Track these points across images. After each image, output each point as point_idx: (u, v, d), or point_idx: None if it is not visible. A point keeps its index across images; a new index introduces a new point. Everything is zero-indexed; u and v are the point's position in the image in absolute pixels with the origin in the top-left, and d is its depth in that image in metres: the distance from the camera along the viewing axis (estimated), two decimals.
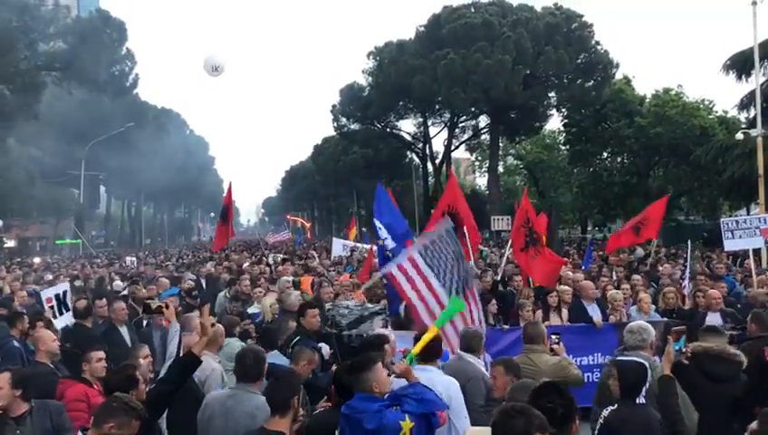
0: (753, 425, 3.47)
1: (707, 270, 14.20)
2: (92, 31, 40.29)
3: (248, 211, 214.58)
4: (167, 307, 5.48)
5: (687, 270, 11.61)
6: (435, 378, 4.82)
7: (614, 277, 12.77)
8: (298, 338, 6.48)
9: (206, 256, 27.80)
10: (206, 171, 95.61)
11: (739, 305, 9.40)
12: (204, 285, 14.02)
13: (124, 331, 8.12)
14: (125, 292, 11.72)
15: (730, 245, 12.79)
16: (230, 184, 15.73)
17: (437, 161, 54.24)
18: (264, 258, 20.42)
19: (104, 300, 9.18)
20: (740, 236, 12.03)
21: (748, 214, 41.34)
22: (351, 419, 4.09)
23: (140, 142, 60.89)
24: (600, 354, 8.71)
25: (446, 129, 52.67)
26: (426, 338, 5.07)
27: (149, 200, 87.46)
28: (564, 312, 9.26)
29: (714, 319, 8.71)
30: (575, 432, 3.45)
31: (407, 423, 3.98)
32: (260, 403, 4.31)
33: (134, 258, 30.82)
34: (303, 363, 5.34)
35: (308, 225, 57.67)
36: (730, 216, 45.24)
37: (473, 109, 46.83)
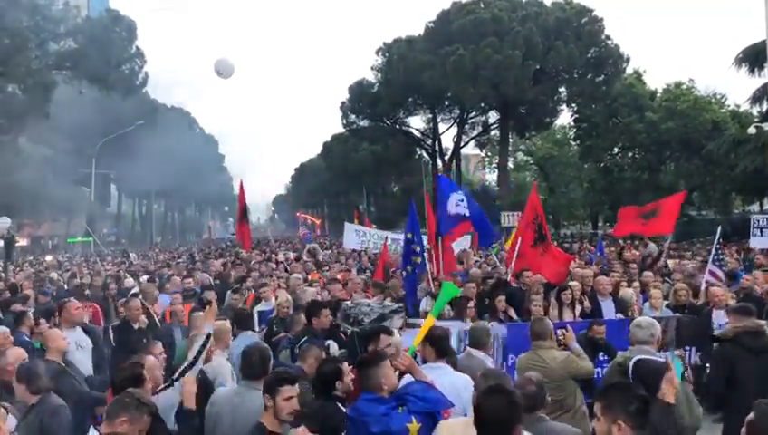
0: (751, 416, 3.46)
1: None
2: (102, 30, 40.47)
3: (258, 209, 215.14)
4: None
5: (711, 260, 11.20)
6: (446, 376, 4.71)
7: (626, 273, 12.64)
8: (306, 338, 6.49)
9: (217, 254, 27.94)
10: (216, 169, 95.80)
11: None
12: (212, 284, 14.04)
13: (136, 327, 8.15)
14: (135, 289, 11.75)
15: (758, 242, 12.55)
16: (241, 183, 15.77)
17: (447, 157, 54.14)
18: (273, 256, 20.49)
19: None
20: None
21: (761, 208, 41.12)
22: (358, 421, 4.05)
23: (150, 141, 61.13)
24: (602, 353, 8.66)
25: (455, 125, 52.60)
26: (424, 329, 4.95)
27: (160, 198, 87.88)
28: (577, 308, 9.21)
29: (719, 316, 8.65)
30: None
31: (414, 425, 3.94)
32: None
33: (134, 254, 31.18)
34: (311, 361, 5.32)
35: (318, 222, 57.68)
36: (743, 210, 45.06)
37: (482, 104, 46.73)
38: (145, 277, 15.05)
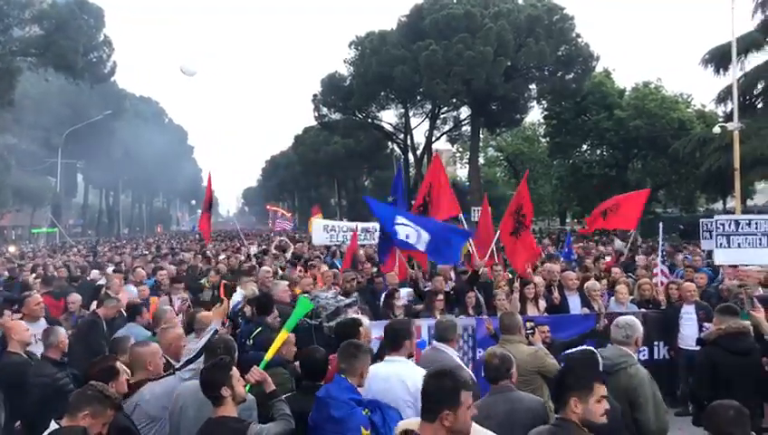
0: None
1: (686, 261, 14.28)
2: (69, 16, 39.53)
3: (228, 201, 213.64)
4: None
5: (660, 261, 11.51)
6: (403, 369, 4.72)
7: (594, 268, 12.85)
8: (260, 329, 6.53)
9: (185, 246, 27.68)
10: (185, 161, 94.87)
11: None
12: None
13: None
14: (102, 281, 11.60)
15: (724, 257, 10.23)
16: (209, 174, 15.56)
17: (419, 152, 54.25)
18: (243, 248, 20.35)
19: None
20: (738, 245, 9.90)
21: (724, 207, 41.96)
22: (322, 401, 4.15)
23: (118, 131, 60.27)
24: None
25: (427, 120, 52.69)
26: (276, 344, 4.99)
27: (128, 189, 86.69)
28: (542, 303, 9.31)
29: (688, 311, 8.86)
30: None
31: (367, 433, 3.97)
32: None
33: (102, 246, 30.84)
34: (286, 346, 5.44)
35: (289, 215, 57.32)
36: (707, 209, 45.95)
37: (454, 100, 46.85)
38: (111, 269, 14.86)
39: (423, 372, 4.71)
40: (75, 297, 9.11)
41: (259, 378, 4.42)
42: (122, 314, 8.13)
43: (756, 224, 9.91)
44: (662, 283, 10.36)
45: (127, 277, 11.84)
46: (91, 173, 70.81)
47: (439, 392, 3.26)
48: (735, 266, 10.16)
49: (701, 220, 10.84)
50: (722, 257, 10.24)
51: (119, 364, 4.71)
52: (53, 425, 3.79)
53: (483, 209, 12.53)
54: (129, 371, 4.90)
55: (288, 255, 16.21)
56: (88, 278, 14.03)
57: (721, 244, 10.06)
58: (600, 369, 3.67)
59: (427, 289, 9.91)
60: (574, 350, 4.88)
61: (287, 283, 8.99)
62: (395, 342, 4.97)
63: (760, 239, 9.71)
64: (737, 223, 10.05)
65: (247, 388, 4.31)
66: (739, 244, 9.89)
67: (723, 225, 10.12)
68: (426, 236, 9.17)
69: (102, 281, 11.53)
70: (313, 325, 6.89)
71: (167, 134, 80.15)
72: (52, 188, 56.02)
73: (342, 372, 4.31)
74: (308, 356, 4.96)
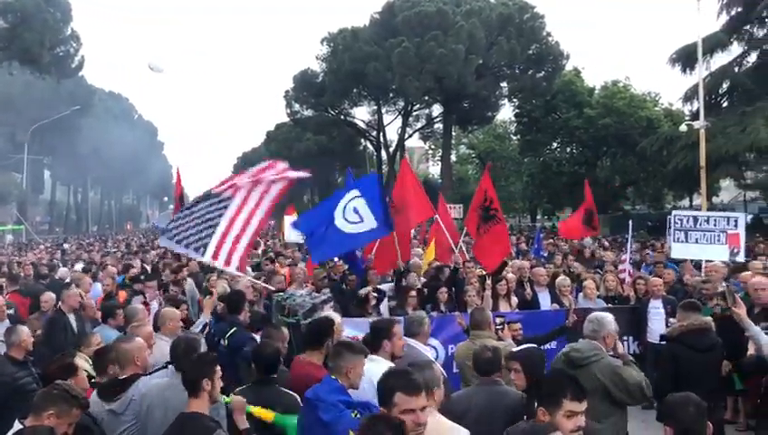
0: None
1: (648, 257, 14.53)
2: (35, 9, 38.79)
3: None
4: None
5: (627, 257, 11.73)
6: (375, 370, 4.52)
7: (564, 264, 13.00)
8: (235, 329, 6.42)
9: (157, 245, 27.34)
10: (155, 157, 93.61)
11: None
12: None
13: (72, 318, 7.93)
14: (68, 279, 11.41)
15: (681, 251, 10.30)
16: (178, 171, 15.40)
17: (391, 149, 54.30)
18: None
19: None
20: (696, 241, 10.05)
21: (691, 204, 42.72)
22: (311, 403, 4.06)
23: (87, 126, 59.34)
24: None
25: (400, 117, 52.74)
26: (258, 412, 4.68)
27: (96, 186, 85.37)
28: (514, 299, 9.40)
29: (656, 305, 9.02)
30: None
31: None
32: None
33: (68, 245, 30.36)
34: (279, 344, 5.39)
35: None
36: (674, 206, 46.73)
37: (426, 97, 46.99)
38: (79, 265, 14.62)
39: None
40: (48, 296, 8.92)
41: (239, 407, 4.41)
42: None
43: (715, 221, 10.09)
44: (629, 276, 10.56)
45: (96, 275, 11.68)
46: (58, 169, 69.63)
47: None
48: (695, 262, 10.34)
49: (673, 215, 10.76)
50: (679, 252, 10.39)
51: (78, 361, 4.66)
52: (17, 425, 3.73)
53: (440, 208, 12.39)
54: (89, 367, 4.87)
55: (259, 251, 16.13)
56: (56, 277, 13.79)
57: (679, 238, 10.22)
58: (570, 386, 3.67)
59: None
60: (520, 348, 4.94)
61: (248, 278, 8.96)
62: (374, 341, 4.99)
63: (718, 236, 9.87)
64: (696, 219, 10.21)
65: (225, 399, 4.29)
66: (696, 239, 10.05)
67: (681, 220, 10.28)
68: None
69: (69, 278, 11.34)
70: (291, 324, 6.86)
71: (136, 130, 79.10)
72: (18, 185, 54.90)
73: (331, 371, 4.27)
74: (259, 352, 4.91)
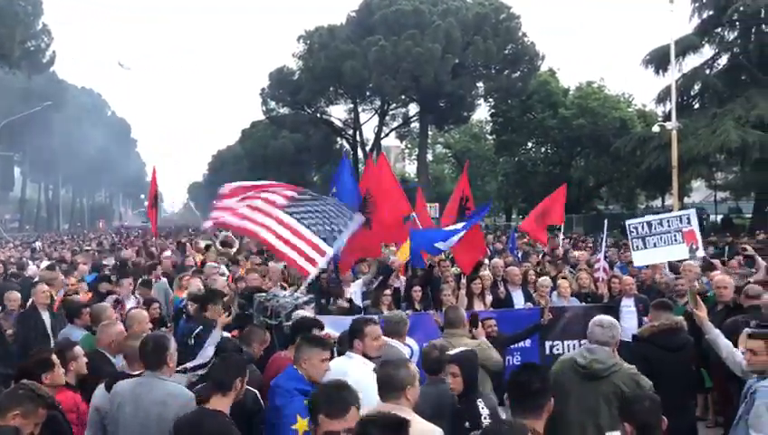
0: None
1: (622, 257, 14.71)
2: (5, 3, 38.13)
3: (173, 197, 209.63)
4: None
5: (602, 255, 11.87)
6: (345, 365, 4.81)
7: (540, 264, 13.12)
8: (201, 327, 6.38)
9: (127, 242, 27.10)
10: (128, 154, 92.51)
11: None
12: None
13: (46, 316, 7.80)
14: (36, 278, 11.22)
15: (643, 258, 10.32)
16: (154, 169, 15.29)
17: (368, 148, 54.22)
18: (190, 244, 19.99)
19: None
20: (654, 245, 10.06)
21: (663, 204, 43.32)
22: (271, 390, 4.31)
23: (59, 122, 58.44)
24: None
25: (376, 116, 52.70)
26: None
27: (68, 183, 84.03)
28: (488, 297, 9.45)
29: (628, 304, 9.14)
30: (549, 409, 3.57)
31: (303, 422, 3.95)
32: (172, 390, 4.21)
33: (40, 243, 29.96)
34: (256, 345, 5.40)
35: None
36: (646, 206, 47.37)
37: (403, 96, 47.02)
38: (45, 264, 14.35)
39: (367, 369, 4.74)
40: (14, 295, 8.77)
41: None
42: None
43: (668, 222, 10.21)
44: (604, 275, 10.67)
45: (68, 273, 11.51)
46: (29, 166, 68.43)
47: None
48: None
49: (627, 224, 10.75)
50: (640, 259, 10.50)
51: (54, 357, 4.59)
52: None
53: (418, 206, 12.38)
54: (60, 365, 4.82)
55: (232, 251, 15.98)
56: (26, 274, 13.57)
57: (638, 246, 10.29)
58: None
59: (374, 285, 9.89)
60: (457, 351, 4.85)
61: (225, 278, 8.91)
62: (349, 340, 5.10)
63: (674, 236, 9.96)
64: (649, 224, 10.26)
65: None
66: (654, 243, 10.10)
67: (636, 228, 10.37)
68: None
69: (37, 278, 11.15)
70: (273, 325, 6.82)
71: (109, 127, 78.05)
72: None
73: (293, 362, 4.46)
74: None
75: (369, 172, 12.00)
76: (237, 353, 4.67)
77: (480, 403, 4.44)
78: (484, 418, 4.32)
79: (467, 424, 4.26)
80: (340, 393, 3.20)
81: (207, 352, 5.23)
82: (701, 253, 10.15)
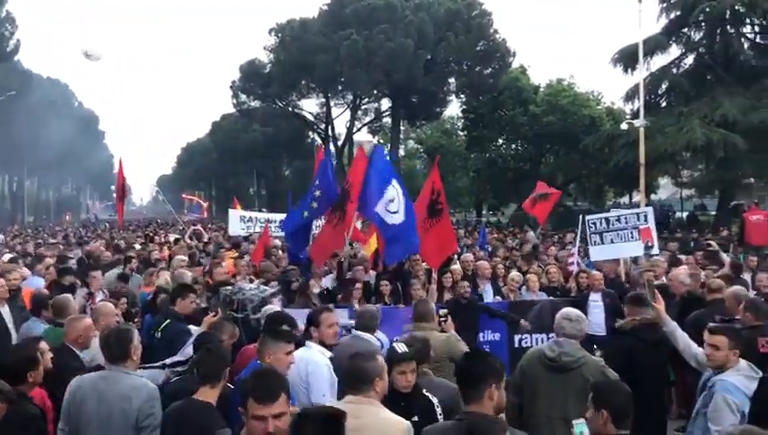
0: None
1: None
2: None
3: (141, 189, 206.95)
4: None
5: (575, 250, 12.04)
6: (304, 355, 4.94)
7: (508, 259, 13.27)
8: (168, 321, 6.34)
9: (94, 235, 26.67)
10: (96, 146, 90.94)
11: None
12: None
13: (5, 310, 7.60)
14: None
15: (598, 254, 10.45)
16: (120, 160, 15.08)
17: (339, 143, 54.09)
18: (156, 237, 19.79)
19: None
20: (611, 241, 10.29)
21: (630, 201, 43.96)
22: (236, 385, 4.27)
23: (23, 113, 57.16)
24: (489, 332, 9.05)
25: (348, 110, 52.58)
26: None
27: (33, 175, 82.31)
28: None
29: (595, 298, 9.27)
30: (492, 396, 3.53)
31: None
32: (136, 384, 4.15)
33: (2, 236, 29.38)
34: (225, 337, 5.35)
35: (205, 204, 56.07)
36: (614, 203, 48.02)
37: (375, 91, 47.00)
38: (7, 257, 14.02)
39: (322, 358, 4.97)
40: None
41: None
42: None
43: (626, 219, 10.40)
44: (577, 269, 10.83)
45: (32, 267, 11.26)
46: None
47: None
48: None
49: (587, 220, 10.86)
50: (597, 254, 10.66)
51: (39, 354, 4.52)
52: None
53: None
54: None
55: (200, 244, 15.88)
56: None
57: (595, 241, 10.49)
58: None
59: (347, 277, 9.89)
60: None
61: (190, 273, 8.86)
62: (306, 329, 5.32)
63: (631, 233, 10.16)
64: (607, 220, 10.50)
65: None
66: (612, 239, 10.33)
67: (594, 224, 10.55)
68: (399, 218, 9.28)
69: None
70: (239, 319, 6.77)
71: (76, 118, 76.62)
72: None
73: (258, 355, 4.52)
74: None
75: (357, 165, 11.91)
76: (220, 345, 4.72)
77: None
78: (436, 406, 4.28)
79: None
80: (269, 380, 3.15)
81: (188, 349, 5.21)
82: (656, 250, 10.37)
